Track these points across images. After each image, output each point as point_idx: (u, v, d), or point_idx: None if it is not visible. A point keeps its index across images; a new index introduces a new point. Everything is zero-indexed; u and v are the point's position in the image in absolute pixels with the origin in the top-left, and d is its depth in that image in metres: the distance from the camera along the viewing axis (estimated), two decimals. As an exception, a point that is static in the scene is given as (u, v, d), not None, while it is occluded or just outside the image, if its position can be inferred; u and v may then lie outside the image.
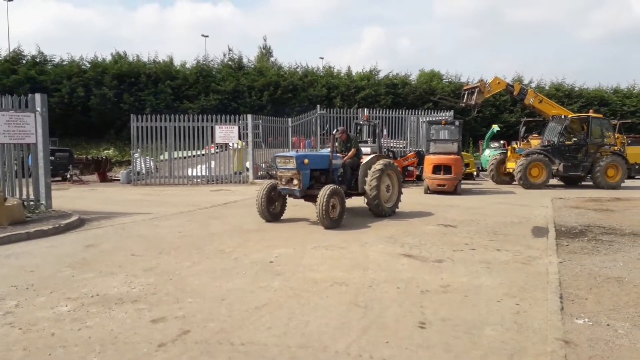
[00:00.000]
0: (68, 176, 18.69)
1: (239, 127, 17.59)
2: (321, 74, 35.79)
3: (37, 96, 9.29)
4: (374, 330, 3.51)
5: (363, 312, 3.87)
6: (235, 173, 18.02)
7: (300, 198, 8.47)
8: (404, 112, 21.53)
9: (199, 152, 17.92)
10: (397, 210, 9.44)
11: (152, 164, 17.90)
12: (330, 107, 23.81)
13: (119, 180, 18.80)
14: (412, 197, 12.08)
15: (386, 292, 4.40)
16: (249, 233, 7.43)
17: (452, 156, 13.54)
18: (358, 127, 18.19)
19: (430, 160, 13.69)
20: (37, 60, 31.79)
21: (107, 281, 4.73)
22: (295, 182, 8.19)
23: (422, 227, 7.97)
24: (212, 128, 17.38)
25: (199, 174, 17.86)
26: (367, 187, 8.72)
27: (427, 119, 19.80)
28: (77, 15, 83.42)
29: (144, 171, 17.69)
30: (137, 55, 33.54)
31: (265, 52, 42.33)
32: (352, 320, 3.70)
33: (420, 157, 17.32)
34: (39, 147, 9.23)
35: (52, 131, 9.97)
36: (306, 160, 8.17)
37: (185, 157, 17.94)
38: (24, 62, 31.46)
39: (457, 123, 14.57)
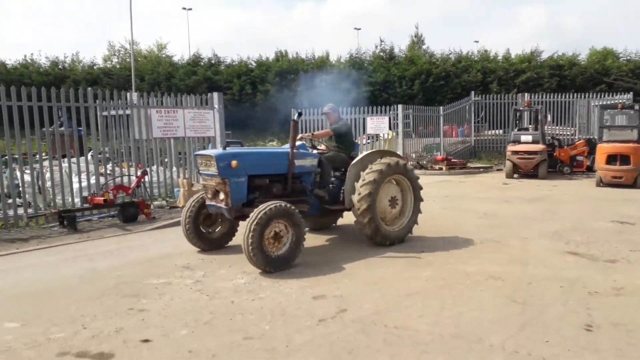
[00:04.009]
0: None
1: (390, 118, 17.74)
2: (476, 58, 33.98)
3: (215, 95, 10.64)
4: (532, 327, 3.38)
5: (521, 309, 3.73)
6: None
7: (233, 219, 5.48)
8: (571, 96, 19.47)
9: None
10: (413, 233, 6.16)
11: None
12: (485, 93, 22.62)
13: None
14: (581, 190, 10.98)
15: (548, 290, 4.16)
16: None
17: (630, 144, 11.91)
18: (518, 114, 17.05)
19: (603, 149, 12.22)
20: (213, 62, 36.02)
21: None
22: (222, 196, 5.23)
23: (592, 223, 7.21)
24: (364, 119, 17.84)
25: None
26: (354, 198, 5.61)
27: (600, 103, 17.61)
28: (244, 18, 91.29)
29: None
30: (297, 53, 36.03)
31: (417, 41, 41.67)
32: (508, 315, 3.61)
33: (591, 145, 15.53)
34: (217, 140, 10.56)
35: (226, 125, 11.31)
36: (234, 163, 5.03)
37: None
38: (202, 64, 35.90)
39: (637, 107, 12.77)
